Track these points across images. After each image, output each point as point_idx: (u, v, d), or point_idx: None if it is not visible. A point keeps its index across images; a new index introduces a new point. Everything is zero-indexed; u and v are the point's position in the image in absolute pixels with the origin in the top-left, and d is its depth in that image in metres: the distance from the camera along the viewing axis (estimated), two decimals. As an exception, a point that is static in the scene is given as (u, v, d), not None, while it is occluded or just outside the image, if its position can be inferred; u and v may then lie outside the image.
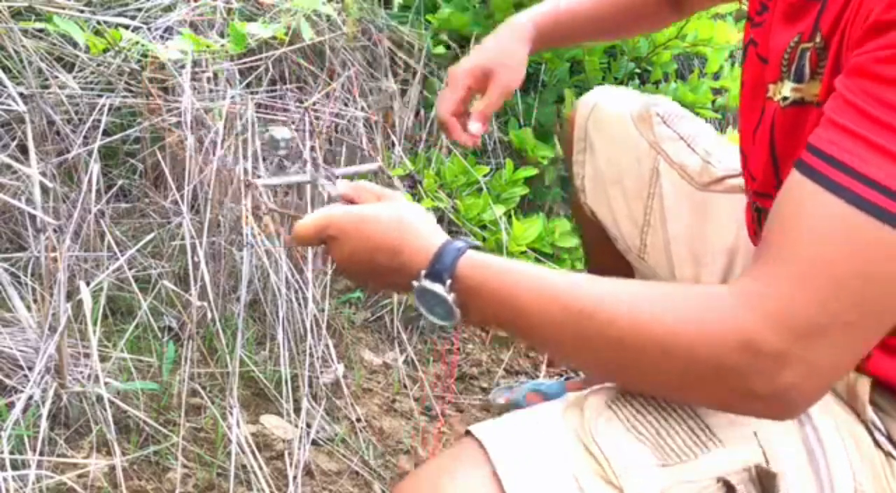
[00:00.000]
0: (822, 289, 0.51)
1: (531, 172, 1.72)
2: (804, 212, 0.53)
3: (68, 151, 1.22)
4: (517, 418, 0.65)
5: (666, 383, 0.58)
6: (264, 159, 1.35)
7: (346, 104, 1.60)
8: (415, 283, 0.65)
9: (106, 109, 1.25)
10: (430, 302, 0.65)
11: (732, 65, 1.93)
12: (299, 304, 1.27)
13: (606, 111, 1.15)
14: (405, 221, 0.68)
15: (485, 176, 1.69)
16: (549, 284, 0.60)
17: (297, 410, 1.18)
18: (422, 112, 1.82)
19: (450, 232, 1.67)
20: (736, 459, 0.59)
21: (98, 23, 1.22)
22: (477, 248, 0.66)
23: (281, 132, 0.96)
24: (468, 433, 0.65)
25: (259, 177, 1.08)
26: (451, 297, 0.63)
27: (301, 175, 0.93)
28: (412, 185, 1.65)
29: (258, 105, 1.39)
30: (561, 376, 1.71)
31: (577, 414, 0.62)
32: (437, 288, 0.64)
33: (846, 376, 0.66)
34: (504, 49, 1.05)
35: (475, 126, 1.01)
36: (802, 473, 0.61)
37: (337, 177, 0.86)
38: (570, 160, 1.20)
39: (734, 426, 0.61)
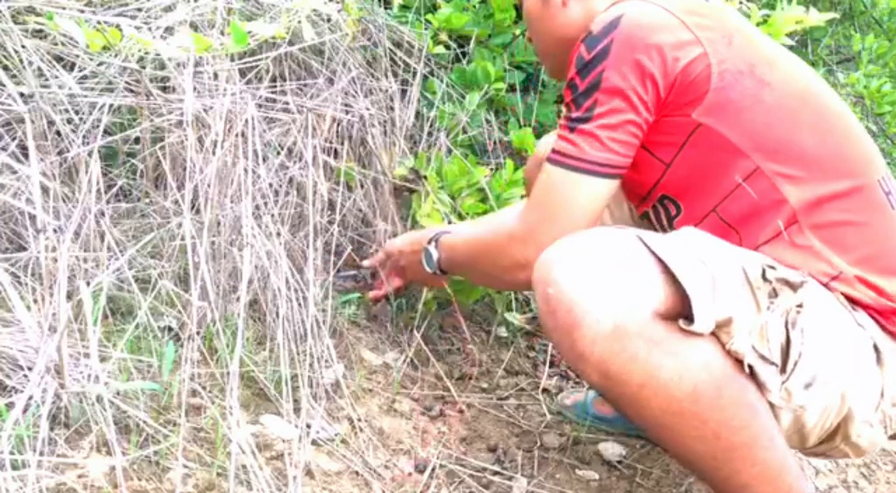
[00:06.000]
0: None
1: (531, 172, 1.71)
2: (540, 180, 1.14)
3: (68, 151, 1.22)
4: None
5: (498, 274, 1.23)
6: (265, 159, 1.35)
7: (346, 104, 1.59)
8: (423, 246, 1.39)
9: (106, 109, 1.25)
10: (428, 255, 1.38)
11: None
12: (299, 304, 1.27)
13: None
14: (424, 230, 1.48)
15: (485, 176, 1.69)
16: (465, 242, 1.31)
17: (297, 410, 1.18)
18: (422, 112, 1.82)
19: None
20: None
21: (98, 23, 1.22)
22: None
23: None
24: None
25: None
26: (436, 253, 1.36)
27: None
28: (415, 179, 1.65)
29: (259, 105, 1.39)
30: (562, 375, 1.71)
31: None
32: (430, 247, 1.37)
33: None
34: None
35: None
36: None
37: None
38: None
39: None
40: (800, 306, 0.98)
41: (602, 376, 0.94)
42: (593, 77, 1.06)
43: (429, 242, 1.38)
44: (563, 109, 1.13)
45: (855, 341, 1.01)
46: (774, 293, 0.97)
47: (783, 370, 0.95)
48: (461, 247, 1.31)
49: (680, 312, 0.94)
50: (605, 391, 0.97)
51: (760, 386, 0.95)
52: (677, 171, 1.11)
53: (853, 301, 1.04)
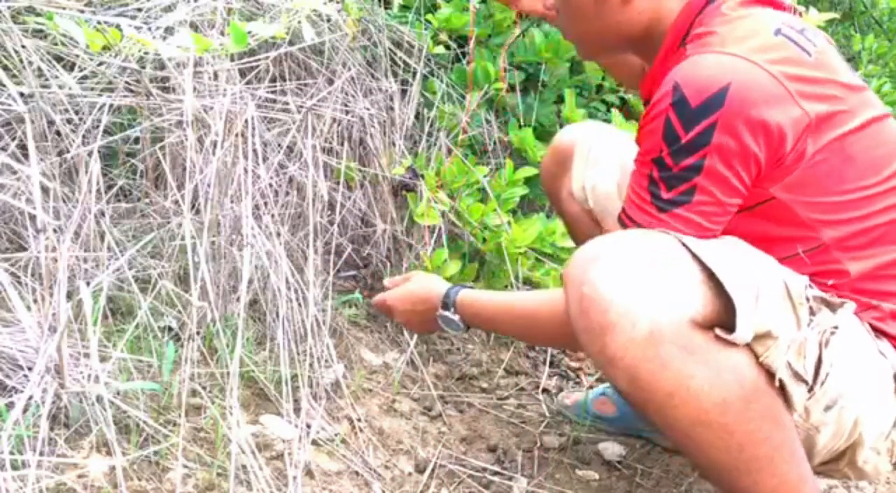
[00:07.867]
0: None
1: (531, 172, 1.72)
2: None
3: (68, 151, 1.22)
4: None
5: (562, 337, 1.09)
6: (265, 159, 1.35)
7: (346, 104, 1.59)
8: (438, 313, 1.26)
9: (106, 109, 1.25)
10: (448, 321, 1.26)
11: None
12: (299, 304, 1.27)
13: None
14: (424, 284, 1.31)
15: (485, 176, 1.69)
16: (507, 305, 1.21)
17: (297, 410, 1.18)
18: (422, 112, 1.82)
19: (449, 232, 1.68)
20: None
21: (98, 23, 1.21)
22: (467, 285, 1.31)
23: None
24: None
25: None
26: (456, 317, 1.24)
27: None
28: (412, 177, 1.65)
29: (258, 105, 1.39)
30: (562, 375, 1.71)
31: None
32: (449, 313, 1.24)
33: None
34: None
35: None
36: None
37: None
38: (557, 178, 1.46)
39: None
40: (835, 327, 0.96)
41: (631, 381, 0.91)
42: (693, 161, 0.95)
43: (443, 307, 1.25)
44: (642, 176, 1.01)
45: (876, 369, 1.00)
46: (813, 312, 0.96)
47: (810, 389, 0.94)
48: (500, 316, 1.22)
49: (717, 320, 0.91)
50: (631, 397, 0.95)
51: (787, 401, 0.94)
52: (733, 231, 1.04)
53: (878, 331, 1.03)
